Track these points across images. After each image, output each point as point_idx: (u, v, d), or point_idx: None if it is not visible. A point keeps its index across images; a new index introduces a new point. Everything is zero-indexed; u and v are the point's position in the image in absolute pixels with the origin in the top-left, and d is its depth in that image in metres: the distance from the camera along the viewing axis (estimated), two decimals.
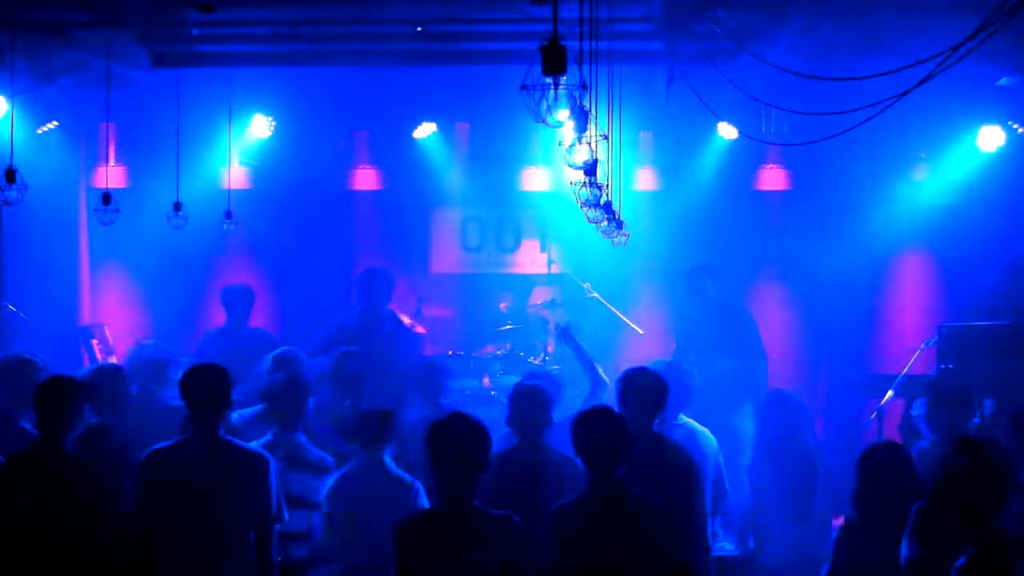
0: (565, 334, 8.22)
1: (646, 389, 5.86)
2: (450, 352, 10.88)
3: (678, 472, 5.70)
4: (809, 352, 11.48)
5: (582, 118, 5.25)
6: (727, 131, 11.32)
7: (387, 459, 5.94)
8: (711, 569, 6.19)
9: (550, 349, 10.93)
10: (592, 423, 5.09)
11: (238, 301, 9.70)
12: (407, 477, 5.89)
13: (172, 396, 6.59)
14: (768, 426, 6.74)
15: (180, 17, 8.92)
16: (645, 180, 12.01)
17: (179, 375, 5.62)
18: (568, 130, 5.64)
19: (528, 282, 12.07)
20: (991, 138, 11.11)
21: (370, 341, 8.93)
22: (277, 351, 8.02)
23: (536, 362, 10.67)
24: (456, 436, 4.82)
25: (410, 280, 12.04)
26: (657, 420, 5.93)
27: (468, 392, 10.25)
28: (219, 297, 9.89)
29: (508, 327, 11.25)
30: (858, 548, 4.99)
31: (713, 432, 7.02)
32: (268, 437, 6.17)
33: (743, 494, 8.83)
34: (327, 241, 12.17)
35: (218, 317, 10.28)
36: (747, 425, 9.24)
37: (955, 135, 11.27)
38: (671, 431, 6.38)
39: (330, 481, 5.99)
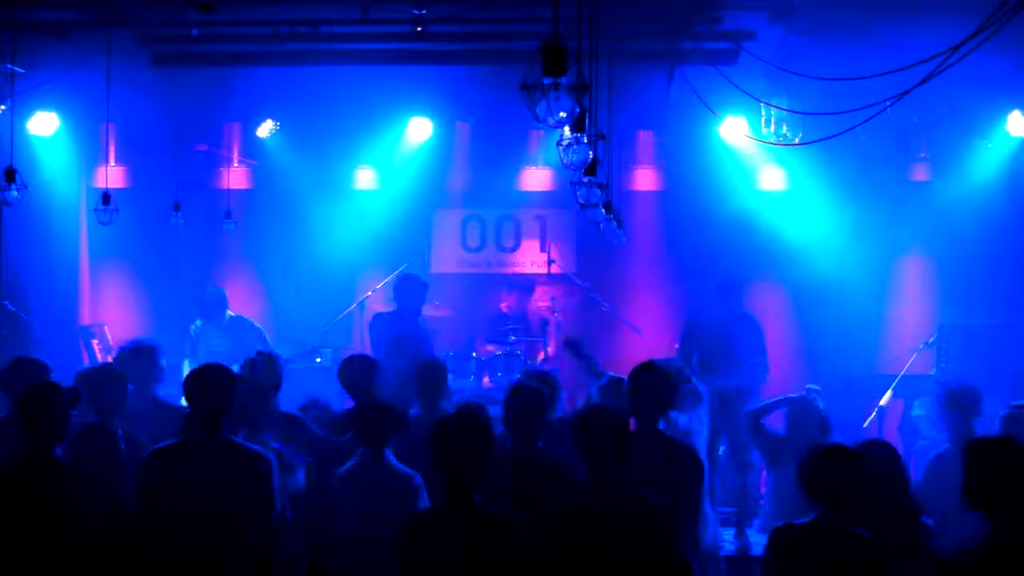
0: (572, 346, 8.26)
1: (656, 385, 5.85)
2: (450, 352, 10.88)
3: (684, 469, 5.69)
4: (809, 352, 11.47)
5: (581, 118, 5.24)
6: (727, 131, 11.33)
7: (389, 454, 5.92)
8: (720, 567, 6.20)
9: (551, 351, 10.93)
10: (591, 422, 5.09)
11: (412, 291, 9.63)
12: (408, 471, 5.87)
13: None
14: (793, 430, 6.80)
15: (180, 17, 8.91)
16: (645, 180, 12.01)
17: None
18: (567, 129, 5.63)
19: (528, 282, 12.07)
20: (991, 138, 11.14)
21: (422, 347, 9.09)
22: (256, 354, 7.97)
23: (540, 356, 10.67)
24: (462, 434, 4.82)
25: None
26: (663, 417, 5.93)
27: (468, 392, 10.26)
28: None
29: (509, 327, 11.25)
30: None
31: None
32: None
33: (752, 493, 8.87)
34: (327, 241, 12.17)
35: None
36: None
37: (956, 135, 11.27)
38: (669, 429, 6.37)
39: (334, 477, 5.96)
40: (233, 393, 5.43)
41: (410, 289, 9.57)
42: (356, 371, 7.28)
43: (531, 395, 5.93)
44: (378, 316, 9.69)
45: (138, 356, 7.19)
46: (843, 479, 4.74)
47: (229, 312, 10.22)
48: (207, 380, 5.40)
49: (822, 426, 6.96)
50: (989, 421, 6.85)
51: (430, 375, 7.23)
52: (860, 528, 4.73)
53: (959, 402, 6.84)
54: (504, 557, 4.70)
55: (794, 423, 7.09)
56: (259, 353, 7.21)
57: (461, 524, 4.74)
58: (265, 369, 6.92)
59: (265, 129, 11.76)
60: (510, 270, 12.45)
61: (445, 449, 4.84)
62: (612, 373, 7.43)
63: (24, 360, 6.94)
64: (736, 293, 9.45)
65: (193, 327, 10.20)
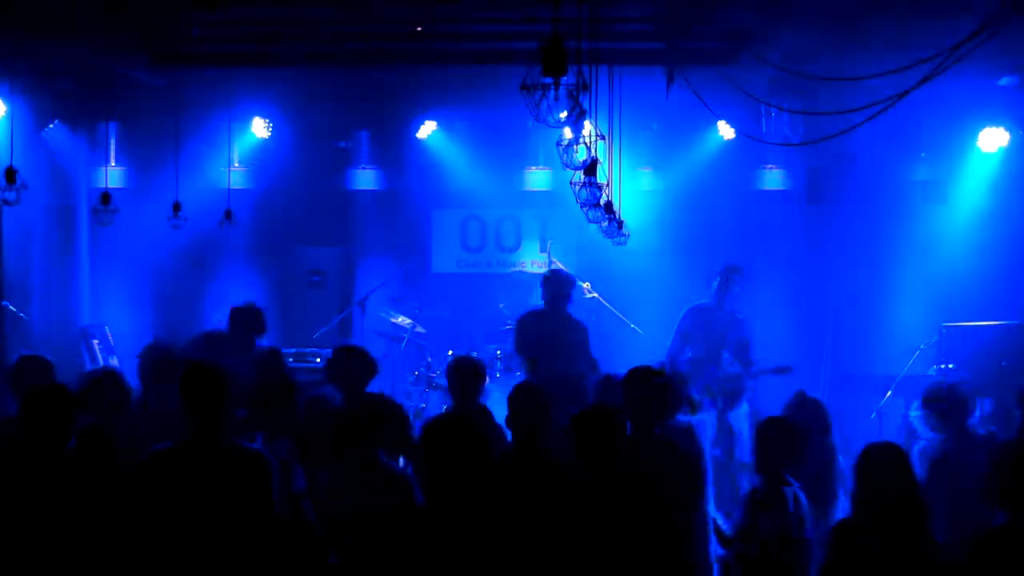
0: None
1: (651, 391, 5.84)
2: (450, 352, 10.86)
3: (682, 474, 5.68)
4: (809, 352, 11.46)
5: (581, 118, 5.25)
6: (727, 131, 11.32)
7: (381, 455, 5.86)
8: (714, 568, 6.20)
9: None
10: (588, 422, 5.11)
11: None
12: (403, 472, 5.83)
13: None
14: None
15: (180, 17, 8.91)
16: (645, 180, 12.01)
17: None
18: (568, 130, 5.64)
19: (528, 282, 12.06)
20: (992, 139, 11.12)
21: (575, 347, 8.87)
22: (259, 351, 7.80)
23: None
24: (449, 435, 4.81)
25: (410, 280, 12.07)
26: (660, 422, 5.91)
27: None
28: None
29: (509, 327, 11.23)
30: (853, 547, 5.00)
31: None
32: (257, 444, 5.94)
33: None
34: (327, 241, 12.16)
35: (217, 318, 10.24)
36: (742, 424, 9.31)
37: (956, 135, 11.27)
38: (671, 429, 6.36)
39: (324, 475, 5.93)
40: (229, 393, 5.40)
41: (557, 285, 9.09)
42: (346, 364, 7.10)
43: (534, 395, 5.92)
44: (523, 316, 9.28)
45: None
46: (771, 442, 5.61)
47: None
48: (202, 380, 5.37)
49: (822, 416, 6.91)
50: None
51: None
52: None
53: (947, 403, 6.81)
54: None
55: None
56: (269, 349, 7.11)
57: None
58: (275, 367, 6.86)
59: (265, 129, 11.77)
60: (510, 270, 12.45)
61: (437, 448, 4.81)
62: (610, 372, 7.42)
63: (30, 359, 6.92)
64: (734, 281, 9.48)
65: None
